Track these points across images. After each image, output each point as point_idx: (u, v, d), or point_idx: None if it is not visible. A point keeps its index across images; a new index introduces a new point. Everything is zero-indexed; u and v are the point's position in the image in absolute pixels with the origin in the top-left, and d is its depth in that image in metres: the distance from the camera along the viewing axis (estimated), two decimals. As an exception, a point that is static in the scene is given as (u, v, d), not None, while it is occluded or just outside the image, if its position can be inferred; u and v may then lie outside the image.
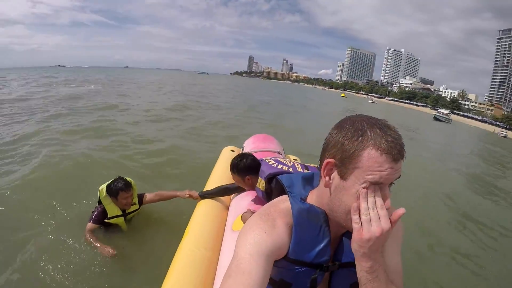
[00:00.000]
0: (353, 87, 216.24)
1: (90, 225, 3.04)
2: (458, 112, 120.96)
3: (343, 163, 0.87)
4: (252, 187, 2.40)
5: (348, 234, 0.97)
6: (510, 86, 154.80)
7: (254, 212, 1.58)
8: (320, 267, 0.99)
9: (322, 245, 0.98)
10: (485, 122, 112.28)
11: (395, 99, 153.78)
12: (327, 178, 0.92)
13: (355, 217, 0.84)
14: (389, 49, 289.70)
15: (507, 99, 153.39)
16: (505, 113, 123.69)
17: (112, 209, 3.12)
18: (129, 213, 3.29)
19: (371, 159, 0.83)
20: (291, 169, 1.95)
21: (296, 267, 0.99)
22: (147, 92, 23.19)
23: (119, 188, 3.05)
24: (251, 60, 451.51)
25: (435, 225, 5.30)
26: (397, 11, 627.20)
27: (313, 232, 0.97)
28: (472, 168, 12.25)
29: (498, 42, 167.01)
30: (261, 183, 2.06)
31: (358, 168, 0.85)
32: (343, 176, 0.88)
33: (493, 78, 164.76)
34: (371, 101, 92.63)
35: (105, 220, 3.12)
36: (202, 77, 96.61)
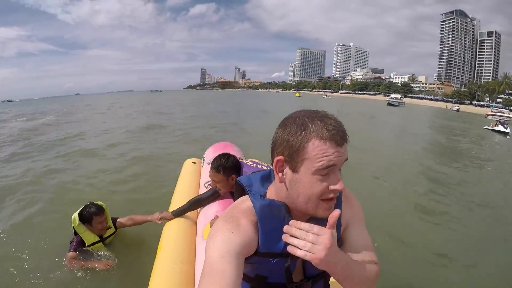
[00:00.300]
0: (306, 86, 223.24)
1: (70, 254, 2.97)
2: (411, 95, 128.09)
3: (291, 157, 0.93)
4: (233, 187, 2.27)
5: (312, 220, 1.00)
6: (457, 63, 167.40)
7: None
8: (291, 255, 1.00)
9: None
10: (436, 100, 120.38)
11: (349, 91, 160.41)
12: (280, 174, 0.97)
13: (296, 243, 0.88)
14: (338, 45, 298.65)
15: (455, 75, 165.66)
16: (455, 89, 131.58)
17: (89, 237, 3.06)
18: (107, 237, 3.24)
19: (316, 148, 0.89)
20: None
21: (268, 259, 1.04)
22: (100, 118, 22.32)
23: (92, 213, 3.01)
24: (203, 72, 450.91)
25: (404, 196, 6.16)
26: (344, 8, 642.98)
27: (278, 224, 1.00)
28: (432, 142, 14.17)
29: (442, 24, 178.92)
30: None
31: (306, 159, 0.90)
32: (294, 170, 0.94)
33: (440, 59, 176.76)
34: (325, 96, 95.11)
35: (84, 248, 3.05)
36: (155, 95, 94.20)
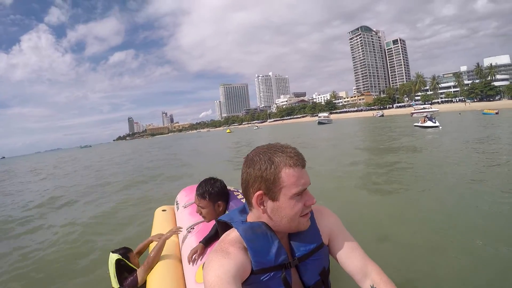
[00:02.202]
0: (235, 120, 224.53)
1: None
2: (336, 110, 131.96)
3: (269, 189, 1.05)
4: (219, 215, 2.13)
5: (292, 233, 1.17)
6: (371, 74, 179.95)
7: (203, 243, 2.16)
8: (283, 266, 1.12)
9: (275, 247, 1.11)
10: (361, 110, 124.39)
11: (277, 119, 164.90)
12: (261, 207, 1.09)
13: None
14: (259, 76, 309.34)
15: (373, 85, 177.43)
16: (375, 97, 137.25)
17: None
18: None
19: (289, 176, 1.03)
20: None
21: (264, 275, 1.09)
22: (30, 185, 15.64)
23: (126, 251, 2.90)
24: (130, 121, 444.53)
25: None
26: (258, 41, 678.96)
27: (264, 240, 1.10)
28: (370, 143, 16.72)
29: (350, 41, 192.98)
30: None
31: (283, 187, 1.04)
32: (274, 199, 1.06)
33: (355, 72, 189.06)
34: (256, 127, 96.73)
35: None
36: (85, 151, 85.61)
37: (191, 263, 2.27)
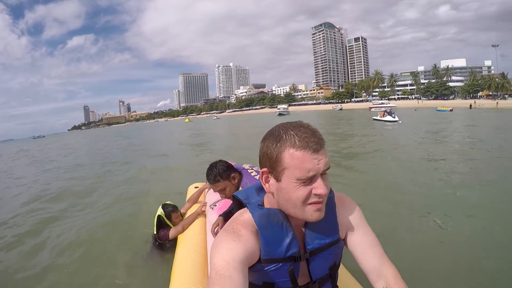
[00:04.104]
0: (193, 110, 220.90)
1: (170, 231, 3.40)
2: (295, 103, 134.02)
3: (273, 168, 0.97)
4: (230, 195, 2.37)
5: (309, 224, 1.08)
6: (331, 69, 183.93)
7: (223, 217, 2.24)
8: (293, 259, 1.07)
9: (288, 239, 1.06)
10: (319, 103, 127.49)
11: (236, 109, 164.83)
12: (266, 185, 1.03)
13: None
14: (219, 66, 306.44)
15: (332, 79, 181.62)
16: (334, 91, 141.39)
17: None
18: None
19: (292, 158, 0.92)
20: None
21: (272, 265, 1.05)
22: None
23: (170, 211, 3.51)
24: (86, 110, 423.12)
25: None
26: (221, 31, 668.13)
27: (277, 230, 1.05)
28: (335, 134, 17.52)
29: (313, 37, 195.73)
30: None
31: (286, 169, 0.94)
32: (277, 179, 0.98)
33: (315, 66, 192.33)
34: (215, 117, 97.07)
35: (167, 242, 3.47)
36: (38, 142, 76.90)
37: (213, 235, 2.44)
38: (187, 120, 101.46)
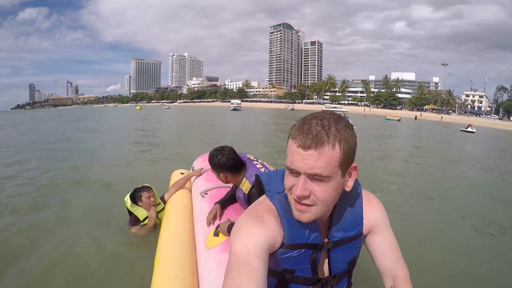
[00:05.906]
0: (144, 97, 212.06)
1: (131, 228, 3.43)
2: (247, 99, 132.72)
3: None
4: (228, 183, 2.39)
5: (334, 215, 1.08)
6: (285, 69, 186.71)
7: (231, 222, 2.02)
8: (316, 246, 1.05)
9: (311, 225, 1.03)
10: (271, 102, 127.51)
11: (187, 100, 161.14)
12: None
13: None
14: (173, 55, 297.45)
15: (285, 79, 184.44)
16: (286, 91, 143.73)
17: (142, 213, 3.39)
18: (158, 212, 3.48)
19: (289, 145, 0.91)
20: None
21: (294, 251, 1.04)
22: None
23: (140, 190, 3.37)
24: (32, 88, 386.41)
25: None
26: (179, 19, 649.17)
27: None
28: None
29: (270, 36, 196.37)
30: (245, 185, 2.17)
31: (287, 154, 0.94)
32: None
33: (270, 65, 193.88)
34: (166, 107, 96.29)
35: (141, 224, 3.41)
36: None
37: (210, 225, 2.31)
38: (138, 107, 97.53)
